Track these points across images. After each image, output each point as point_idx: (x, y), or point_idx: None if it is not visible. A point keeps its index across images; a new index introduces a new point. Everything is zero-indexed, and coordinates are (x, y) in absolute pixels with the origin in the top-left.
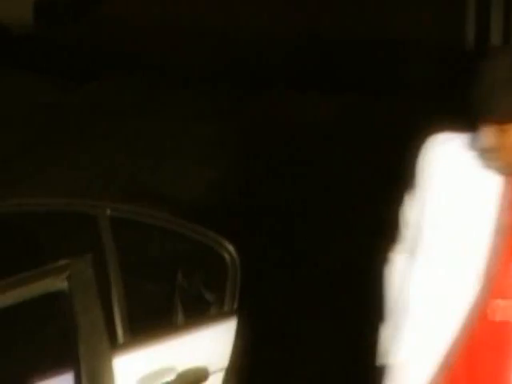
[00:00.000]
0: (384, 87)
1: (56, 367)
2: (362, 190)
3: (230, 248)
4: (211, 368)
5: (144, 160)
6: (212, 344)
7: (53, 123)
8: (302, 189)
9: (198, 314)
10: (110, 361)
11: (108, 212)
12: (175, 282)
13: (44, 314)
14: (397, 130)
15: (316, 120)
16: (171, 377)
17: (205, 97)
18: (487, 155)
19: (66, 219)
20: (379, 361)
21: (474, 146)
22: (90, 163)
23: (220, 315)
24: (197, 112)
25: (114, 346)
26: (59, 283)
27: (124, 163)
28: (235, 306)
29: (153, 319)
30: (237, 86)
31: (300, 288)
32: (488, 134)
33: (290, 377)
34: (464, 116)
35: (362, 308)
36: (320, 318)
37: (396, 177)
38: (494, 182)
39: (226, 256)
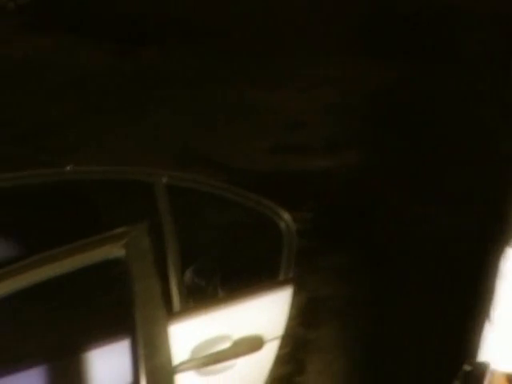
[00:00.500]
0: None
1: (112, 334)
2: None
3: (286, 216)
4: (266, 336)
5: (199, 128)
6: (267, 313)
7: (107, 90)
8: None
9: (253, 282)
10: (166, 328)
11: (164, 180)
12: (229, 250)
13: (101, 281)
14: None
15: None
16: (226, 345)
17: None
18: None
19: (123, 187)
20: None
21: None
22: (146, 131)
23: (276, 284)
24: (252, 80)
25: (170, 313)
26: (116, 250)
27: (180, 131)
28: (291, 274)
29: (209, 286)
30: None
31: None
32: None
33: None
34: None
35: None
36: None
37: None
38: None
39: (282, 224)
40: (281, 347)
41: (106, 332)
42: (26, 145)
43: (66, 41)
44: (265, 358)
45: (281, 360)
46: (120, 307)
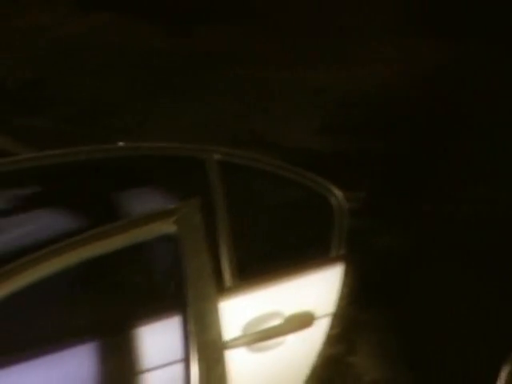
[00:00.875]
0: None
1: (164, 310)
2: None
3: (338, 193)
4: (317, 313)
5: (253, 107)
6: (318, 289)
7: (162, 70)
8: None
9: (304, 259)
10: (216, 304)
11: (216, 156)
12: (281, 226)
13: (152, 257)
14: None
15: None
16: (277, 321)
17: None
18: None
19: (175, 163)
20: None
21: None
22: (200, 111)
23: (327, 261)
24: (304, 59)
25: (221, 290)
26: (167, 227)
27: (233, 111)
28: (342, 251)
29: (260, 263)
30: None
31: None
32: None
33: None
34: None
35: None
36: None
37: None
38: None
39: (334, 201)
40: (332, 326)
41: (157, 308)
42: (82, 123)
43: (120, 19)
44: (315, 336)
45: (331, 340)
46: (170, 284)
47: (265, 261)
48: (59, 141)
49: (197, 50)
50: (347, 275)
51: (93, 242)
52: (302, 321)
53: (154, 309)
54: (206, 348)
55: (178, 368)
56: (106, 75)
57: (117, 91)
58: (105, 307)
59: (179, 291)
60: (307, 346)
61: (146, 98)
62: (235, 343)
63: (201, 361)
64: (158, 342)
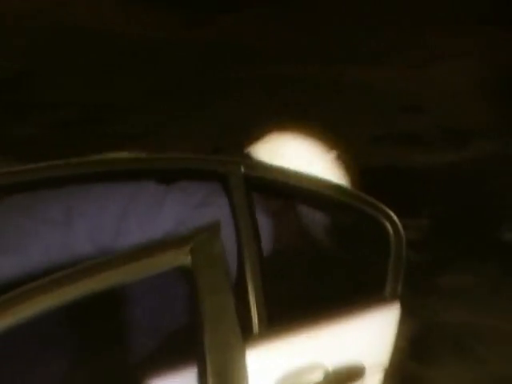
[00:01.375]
0: None
1: (177, 361)
2: None
3: (395, 219)
4: (367, 366)
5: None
6: (369, 338)
7: (182, 64)
8: None
9: (352, 298)
10: (242, 355)
11: (242, 170)
12: (325, 258)
13: (163, 295)
14: None
15: None
16: (318, 376)
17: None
18: None
19: (193, 178)
20: None
21: None
22: (227, 113)
23: (380, 301)
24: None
25: (248, 336)
26: (181, 258)
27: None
28: (399, 289)
29: (297, 305)
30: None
31: None
32: None
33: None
34: None
35: None
36: None
37: None
38: None
39: (389, 229)
40: (385, 379)
41: (169, 358)
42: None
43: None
44: None
45: None
46: (185, 328)
47: (303, 301)
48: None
49: (221, 41)
50: (405, 321)
51: (94, 275)
52: (349, 375)
53: (166, 359)
54: None
55: None
56: (121, 70)
57: (123, 91)
58: (104, 358)
59: (196, 338)
60: None
61: (165, 99)
62: None
63: None
64: None
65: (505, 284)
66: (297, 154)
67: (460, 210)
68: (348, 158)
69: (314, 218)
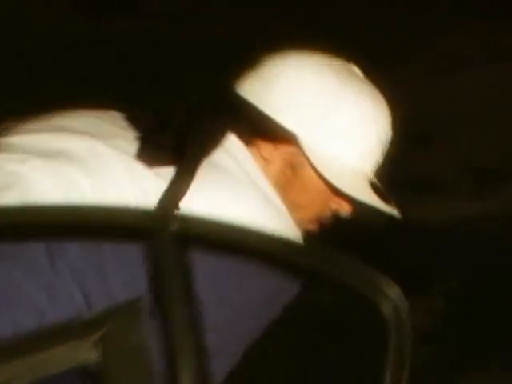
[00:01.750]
0: None
1: None
2: None
3: (397, 297)
4: None
5: None
6: None
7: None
8: None
9: None
10: None
11: (174, 226)
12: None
13: None
14: None
15: None
16: None
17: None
18: None
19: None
20: None
21: None
22: None
23: None
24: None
25: None
26: (83, 352)
27: None
28: None
29: None
30: None
31: None
32: None
33: None
34: None
35: None
36: None
37: None
38: None
39: (388, 311)
40: None
41: None
42: None
43: None
44: None
45: None
46: None
47: None
48: None
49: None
50: None
51: None
52: None
53: None
54: None
55: None
56: None
57: None
58: None
59: None
60: None
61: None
62: None
63: None
64: None
65: None
66: None
67: (487, 284)
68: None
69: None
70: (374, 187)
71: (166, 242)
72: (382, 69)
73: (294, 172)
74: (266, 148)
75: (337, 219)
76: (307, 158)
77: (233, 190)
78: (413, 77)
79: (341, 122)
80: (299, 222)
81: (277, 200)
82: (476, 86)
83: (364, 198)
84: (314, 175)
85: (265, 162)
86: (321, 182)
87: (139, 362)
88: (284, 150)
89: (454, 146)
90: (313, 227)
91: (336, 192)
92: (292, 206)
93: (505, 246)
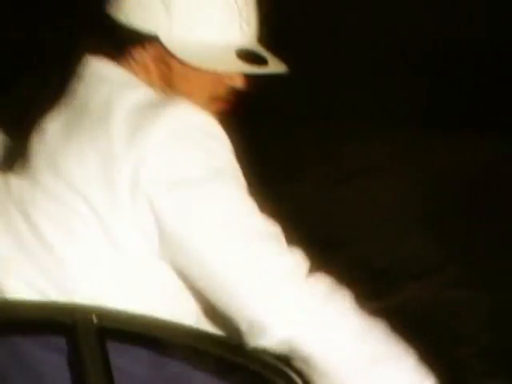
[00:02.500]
0: None
1: None
2: None
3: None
4: None
5: None
6: None
7: None
8: None
9: None
10: None
11: (94, 320)
12: None
13: None
14: None
15: None
16: None
17: None
18: None
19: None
20: None
21: None
22: None
23: None
24: None
25: None
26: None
27: None
28: None
29: None
30: None
31: None
32: None
33: None
34: None
35: None
36: None
37: None
38: None
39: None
40: None
41: None
42: None
43: None
44: None
45: None
46: None
47: None
48: None
49: None
50: None
51: None
52: None
53: None
54: None
55: None
56: None
57: None
58: None
59: None
60: None
61: None
62: None
63: None
64: None
65: None
66: None
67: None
68: None
69: None
70: (250, 53)
71: (87, 335)
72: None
73: (167, 66)
74: (137, 55)
75: (238, 93)
76: (166, 49)
77: None
78: (311, 187)
79: (188, 6)
80: (201, 107)
81: None
82: (374, 194)
83: (229, 67)
84: (180, 64)
85: (143, 68)
86: (190, 67)
87: None
88: (150, 51)
89: (353, 249)
90: (217, 107)
91: (210, 72)
92: (185, 96)
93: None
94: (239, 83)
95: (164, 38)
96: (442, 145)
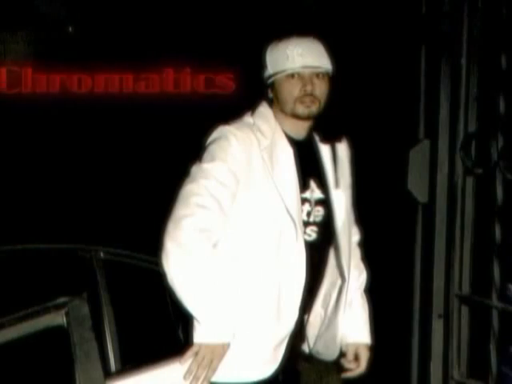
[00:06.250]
0: None
1: None
2: None
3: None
4: None
5: None
6: None
7: None
8: None
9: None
10: None
11: (101, 255)
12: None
13: (44, 347)
14: None
15: None
16: None
17: None
18: None
19: (64, 262)
20: None
21: None
22: None
23: None
24: None
25: (108, 373)
26: (59, 318)
27: None
28: None
29: (144, 349)
30: None
31: None
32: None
33: None
34: None
35: None
36: None
37: None
38: None
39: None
40: None
41: None
42: None
43: None
44: None
45: None
46: (61, 373)
47: (148, 346)
48: None
49: None
50: None
51: None
52: None
53: None
54: None
55: None
56: None
57: None
58: None
59: (69, 377)
60: None
61: None
62: None
63: None
64: None
65: None
66: None
67: None
68: None
69: None
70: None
71: (99, 264)
72: None
73: (274, 91)
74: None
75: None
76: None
77: None
78: None
79: (273, 57)
80: (295, 106)
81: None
82: None
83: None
84: (277, 84)
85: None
86: (280, 83)
87: (87, 324)
88: (272, 87)
89: None
90: (306, 101)
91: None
92: (284, 104)
93: None
94: (311, 86)
95: (272, 77)
96: None
